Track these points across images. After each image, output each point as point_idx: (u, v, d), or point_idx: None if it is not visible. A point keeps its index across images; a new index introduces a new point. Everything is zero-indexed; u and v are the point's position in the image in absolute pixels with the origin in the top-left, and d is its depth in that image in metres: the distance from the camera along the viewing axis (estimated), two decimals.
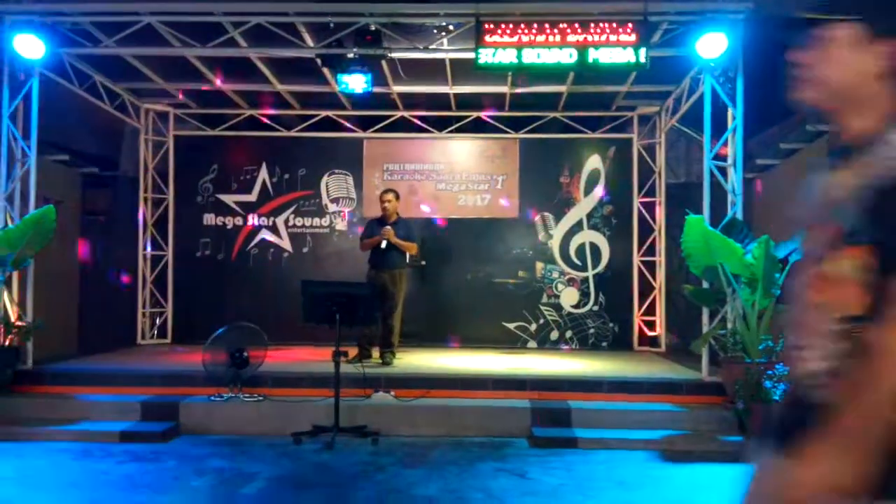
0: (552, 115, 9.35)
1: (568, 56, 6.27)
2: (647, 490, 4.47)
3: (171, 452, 5.21)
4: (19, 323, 6.42)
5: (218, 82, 8.44)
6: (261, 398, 6.07)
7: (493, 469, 4.85)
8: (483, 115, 9.45)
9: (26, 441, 5.39)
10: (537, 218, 9.63)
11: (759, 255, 5.53)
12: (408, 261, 7.69)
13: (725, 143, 6.55)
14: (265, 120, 9.69)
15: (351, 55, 7.01)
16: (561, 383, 6.48)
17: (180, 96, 9.15)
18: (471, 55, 6.61)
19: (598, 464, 5.03)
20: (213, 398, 6.03)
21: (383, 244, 7.11)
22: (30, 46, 6.53)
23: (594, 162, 9.56)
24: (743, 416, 5.55)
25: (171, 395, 6.10)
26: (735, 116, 6.34)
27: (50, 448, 5.22)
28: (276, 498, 4.18)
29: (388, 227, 7.14)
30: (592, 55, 6.25)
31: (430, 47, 7.06)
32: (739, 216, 6.26)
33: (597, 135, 9.53)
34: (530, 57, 6.34)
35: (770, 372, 5.39)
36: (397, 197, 7.46)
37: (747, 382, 5.42)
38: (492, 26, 6.41)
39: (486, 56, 6.41)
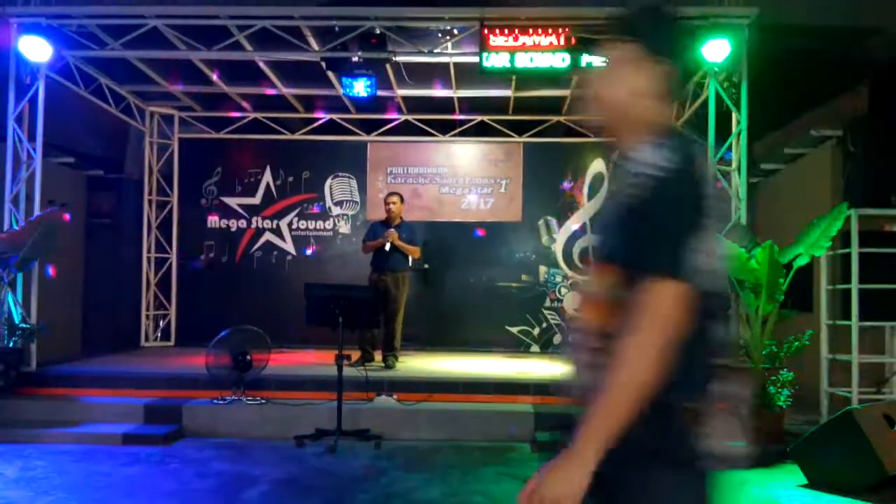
0: (556, 118, 9.35)
1: (572, 60, 6.28)
2: None
3: (173, 455, 5.22)
4: (23, 325, 6.43)
5: (222, 85, 8.46)
6: (263, 401, 6.07)
7: (495, 473, 4.84)
8: (487, 118, 9.46)
9: (29, 443, 5.40)
10: (540, 222, 9.63)
11: (762, 260, 5.52)
12: (410, 264, 7.69)
13: (730, 148, 6.54)
14: (269, 123, 9.71)
15: (355, 59, 7.03)
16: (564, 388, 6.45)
17: (185, 99, 9.18)
18: (475, 59, 6.62)
19: None
20: (216, 401, 6.03)
21: (387, 246, 7.13)
22: (36, 49, 6.57)
23: (598, 166, 9.56)
24: (746, 422, 5.52)
25: (174, 398, 6.11)
26: (739, 121, 6.34)
27: (52, 450, 5.23)
28: (278, 502, 4.18)
29: (392, 230, 7.15)
30: (597, 59, 6.25)
31: (435, 51, 7.07)
32: (743, 221, 6.25)
33: (600, 139, 9.49)
34: (533, 61, 6.35)
35: (774, 377, 5.38)
36: (402, 200, 7.48)
37: (751, 388, 5.40)
38: (496, 30, 6.42)
39: (490, 60, 6.43)
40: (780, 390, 5.33)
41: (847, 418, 4.37)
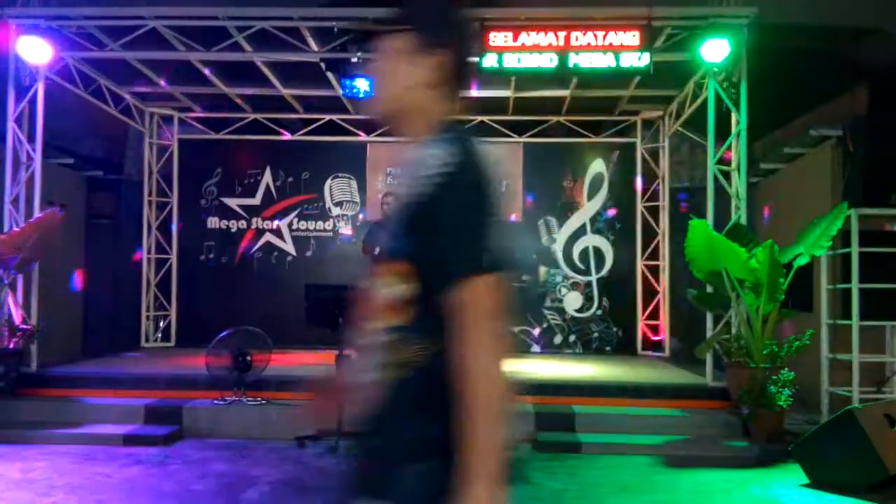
0: (555, 119, 9.35)
1: (571, 61, 6.28)
2: (649, 495, 4.45)
3: (174, 456, 5.21)
4: (24, 326, 6.43)
5: (221, 86, 8.46)
6: (264, 402, 6.07)
7: None
8: (486, 118, 9.46)
9: (29, 444, 5.39)
10: (540, 222, 9.63)
11: (763, 259, 5.52)
12: None
13: (729, 148, 6.54)
14: (269, 124, 9.71)
15: (355, 59, 7.03)
16: (565, 388, 6.47)
17: (185, 100, 9.18)
18: (474, 59, 6.62)
19: (602, 469, 5.01)
20: (216, 402, 6.02)
21: (377, 250, 7.14)
22: (35, 50, 6.57)
23: (597, 166, 9.56)
24: (748, 422, 5.53)
25: (175, 399, 6.11)
26: (739, 121, 6.34)
27: (53, 451, 5.22)
28: (279, 502, 4.17)
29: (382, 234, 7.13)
30: (596, 60, 6.26)
31: None
32: (743, 221, 6.25)
33: (600, 139, 9.53)
34: (533, 61, 6.36)
35: (775, 377, 5.38)
36: None
37: (752, 387, 5.40)
38: (495, 31, 6.42)
39: (489, 60, 6.43)
40: (780, 390, 5.33)
41: (848, 418, 4.37)
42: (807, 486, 4.56)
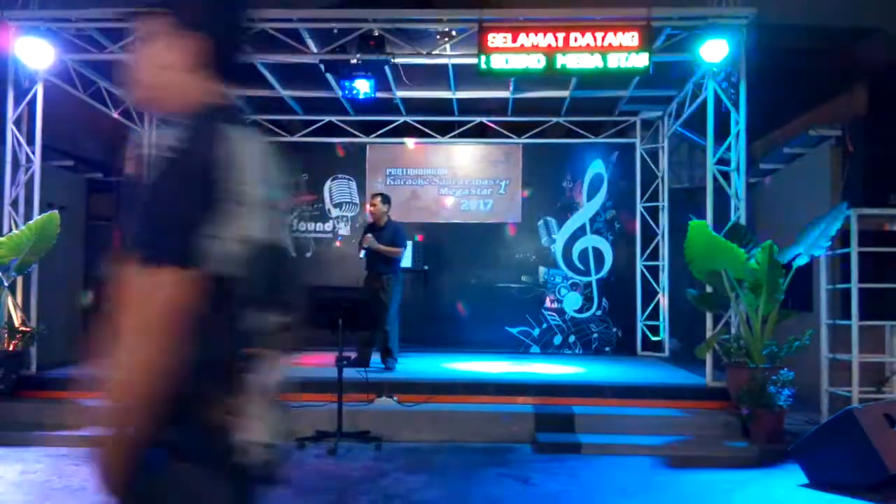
0: (555, 119, 9.35)
1: (570, 62, 6.29)
2: (649, 496, 4.46)
3: None
4: (23, 328, 6.42)
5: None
6: None
7: (496, 475, 4.84)
8: (486, 120, 9.46)
9: (28, 446, 5.39)
10: (540, 222, 9.63)
11: (762, 260, 5.52)
12: (407, 265, 7.71)
13: (728, 148, 6.54)
14: (268, 125, 9.71)
15: (354, 61, 7.03)
16: (564, 388, 6.47)
17: None
18: (473, 60, 6.63)
19: (602, 469, 5.02)
20: None
21: (361, 254, 7.22)
22: (35, 52, 6.57)
23: (597, 167, 9.57)
24: (747, 422, 5.53)
25: None
26: (738, 121, 6.34)
27: (52, 453, 5.22)
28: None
29: (368, 236, 7.14)
30: (595, 61, 6.27)
31: (434, 52, 7.07)
32: (743, 221, 6.25)
33: (599, 140, 9.53)
34: (532, 62, 6.36)
35: (774, 377, 5.38)
36: (385, 201, 7.35)
37: (752, 388, 5.40)
38: (494, 32, 6.43)
39: (488, 62, 6.43)
40: (780, 390, 5.32)
41: (848, 417, 4.37)
42: (806, 486, 4.56)
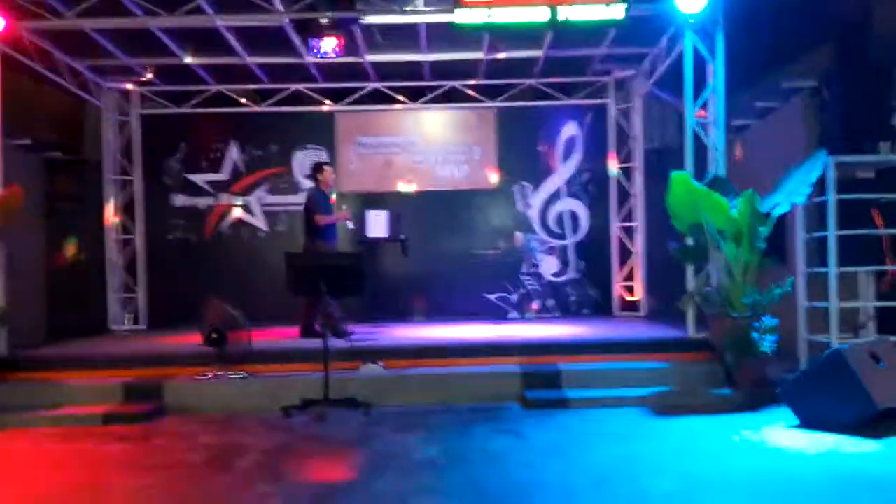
0: (528, 82, 9.26)
1: (544, 13, 6.19)
2: (644, 441, 4.47)
3: (159, 431, 5.07)
4: None
5: (183, 56, 8.17)
6: (246, 375, 5.94)
7: (489, 431, 4.81)
8: (458, 84, 9.33)
9: (4, 427, 5.18)
10: (515, 187, 9.58)
11: (744, 209, 5.54)
12: (383, 235, 7.77)
13: (703, 106, 6.53)
14: (233, 95, 9.44)
15: (324, 20, 6.85)
16: (549, 347, 6.47)
17: (147, 73, 8.86)
18: (447, 18, 6.49)
19: (592, 421, 5.02)
20: (197, 378, 5.88)
21: (350, 224, 7.46)
22: None
23: (571, 129, 9.53)
24: (732, 370, 5.58)
25: (154, 377, 5.93)
26: (715, 73, 6.32)
27: (31, 434, 5.04)
28: (275, 467, 4.07)
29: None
30: (569, 12, 6.18)
31: (407, 9, 6.89)
32: (722, 173, 6.26)
33: (573, 101, 9.49)
34: (506, 16, 6.25)
35: (756, 324, 5.42)
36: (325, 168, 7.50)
37: (735, 336, 5.45)
38: None
39: (463, 16, 6.30)
40: (763, 336, 5.38)
41: (836, 358, 4.43)
42: (798, 426, 4.62)
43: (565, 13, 6.17)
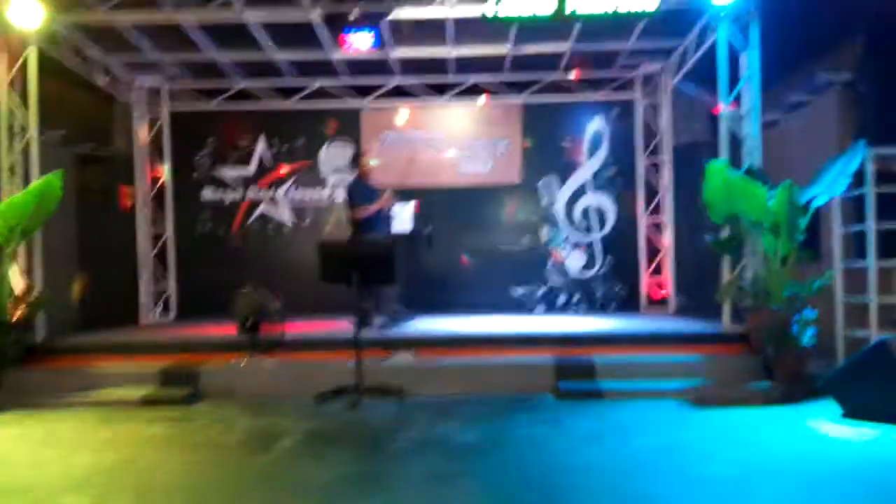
0: (554, 76, 9.25)
1: (581, 6, 6.18)
2: (686, 430, 4.44)
3: (197, 414, 5.11)
4: (29, 296, 6.24)
5: (212, 52, 8.24)
6: (280, 362, 5.97)
7: (525, 419, 4.80)
8: (484, 78, 9.33)
9: (46, 410, 5.25)
10: (541, 182, 9.56)
11: (781, 200, 5.49)
12: (408, 229, 7.79)
13: (736, 99, 6.48)
14: (261, 91, 9.50)
15: (353, 16, 6.88)
16: (582, 339, 6.44)
17: (174, 69, 8.94)
18: (476, 12, 6.50)
19: (629, 412, 4.99)
20: (233, 363, 5.92)
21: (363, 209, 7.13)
22: (27, 13, 6.33)
23: (597, 124, 9.50)
24: (770, 364, 5.52)
25: (189, 363, 5.98)
26: (750, 62, 6.28)
27: (72, 415, 5.10)
28: (315, 449, 4.09)
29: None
30: (606, 5, 6.17)
31: (434, 4, 6.91)
32: (758, 165, 6.20)
33: (599, 96, 9.46)
34: (539, 9, 6.24)
35: (797, 316, 5.37)
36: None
37: (774, 329, 5.40)
38: None
39: (492, 9, 6.30)
40: (803, 329, 5.32)
41: (881, 349, 4.38)
42: (841, 417, 4.57)
43: (598, 6, 6.14)
